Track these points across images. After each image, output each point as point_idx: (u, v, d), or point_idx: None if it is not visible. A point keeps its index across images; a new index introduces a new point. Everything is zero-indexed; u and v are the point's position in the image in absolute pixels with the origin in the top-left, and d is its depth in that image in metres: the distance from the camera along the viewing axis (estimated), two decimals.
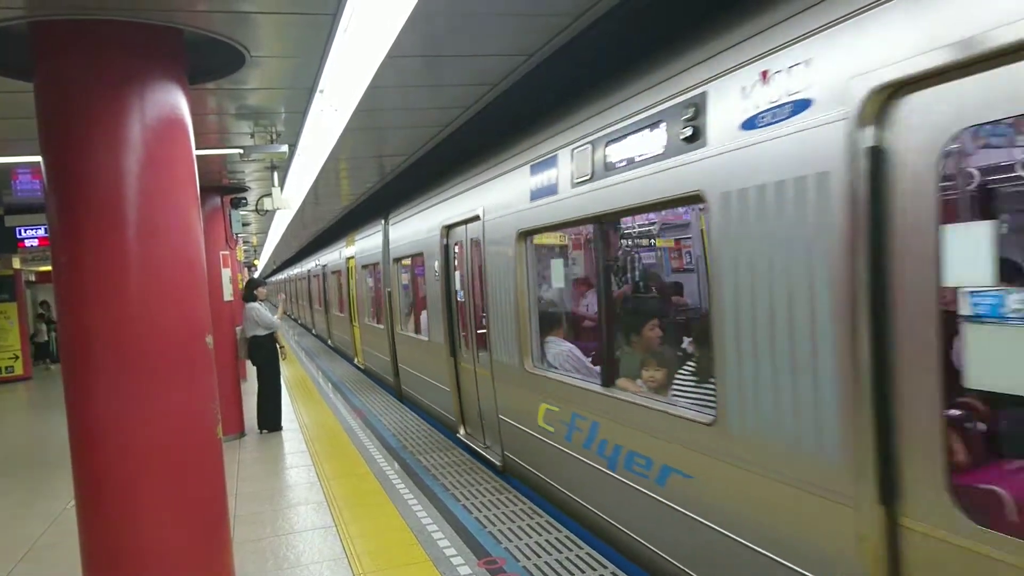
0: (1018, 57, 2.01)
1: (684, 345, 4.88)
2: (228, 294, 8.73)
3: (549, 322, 5.80)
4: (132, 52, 3.36)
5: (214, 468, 3.67)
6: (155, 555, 3.40)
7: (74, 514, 3.46)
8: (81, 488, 3.42)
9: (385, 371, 11.71)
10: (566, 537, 4.74)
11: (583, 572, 4.20)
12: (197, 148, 3.70)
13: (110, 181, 3.29)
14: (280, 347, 9.15)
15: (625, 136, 3.97)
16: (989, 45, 2.05)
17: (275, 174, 7.40)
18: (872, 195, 2.44)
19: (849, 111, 2.50)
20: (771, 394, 2.97)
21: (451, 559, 4.50)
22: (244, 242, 16.87)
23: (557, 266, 6.30)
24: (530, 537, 4.78)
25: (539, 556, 4.46)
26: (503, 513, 5.30)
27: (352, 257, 14.12)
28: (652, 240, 8.67)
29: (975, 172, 3.55)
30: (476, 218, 6.50)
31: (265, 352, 8.92)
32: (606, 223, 4.61)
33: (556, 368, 5.41)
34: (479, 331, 6.81)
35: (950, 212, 2.96)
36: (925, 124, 2.28)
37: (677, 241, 9.00)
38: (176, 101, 3.50)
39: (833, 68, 2.60)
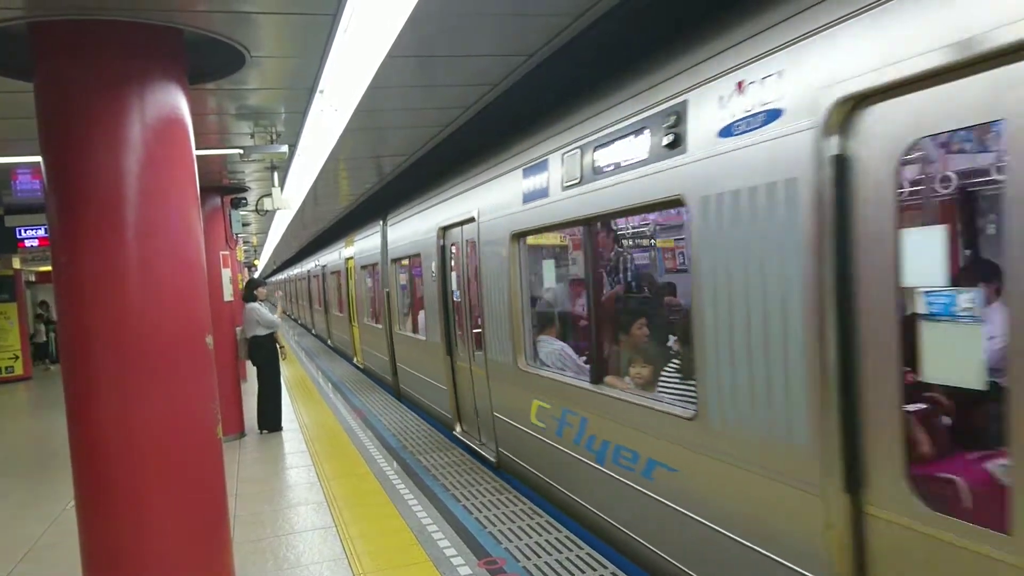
0: (967, 72, 2.11)
1: (670, 343, 4.95)
2: (228, 294, 8.73)
3: (542, 321, 5.91)
4: (132, 52, 3.36)
5: (214, 468, 3.66)
6: (155, 555, 3.39)
7: (74, 514, 3.46)
8: (81, 488, 3.42)
9: (384, 371, 11.75)
10: (566, 537, 4.74)
11: (583, 572, 4.20)
12: (197, 148, 3.70)
13: (110, 181, 3.28)
14: (280, 347, 9.16)
15: (612, 142, 4.11)
16: (940, 61, 2.16)
17: (275, 174, 7.41)
18: (836, 201, 2.56)
19: (816, 121, 2.62)
20: (747, 389, 3.09)
21: (451, 559, 4.51)
22: (244, 242, 16.87)
23: (549, 267, 6.36)
24: (530, 537, 4.79)
25: (539, 556, 4.47)
26: (503, 513, 5.30)
27: (351, 258, 14.14)
28: (646, 241, 8.66)
29: (931, 179, 3.75)
30: (471, 220, 6.57)
31: (265, 352, 8.92)
32: (595, 225, 4.74)
33: (548, 366, 5.49)
34: (474, 330, 6.88)
35: (908, 217, 3.14)
36: (885, 134, 2.41)
37: (675, 241, 8.99)
38: (176, 101, 3.50)
39: (802, 80, 2.71)
